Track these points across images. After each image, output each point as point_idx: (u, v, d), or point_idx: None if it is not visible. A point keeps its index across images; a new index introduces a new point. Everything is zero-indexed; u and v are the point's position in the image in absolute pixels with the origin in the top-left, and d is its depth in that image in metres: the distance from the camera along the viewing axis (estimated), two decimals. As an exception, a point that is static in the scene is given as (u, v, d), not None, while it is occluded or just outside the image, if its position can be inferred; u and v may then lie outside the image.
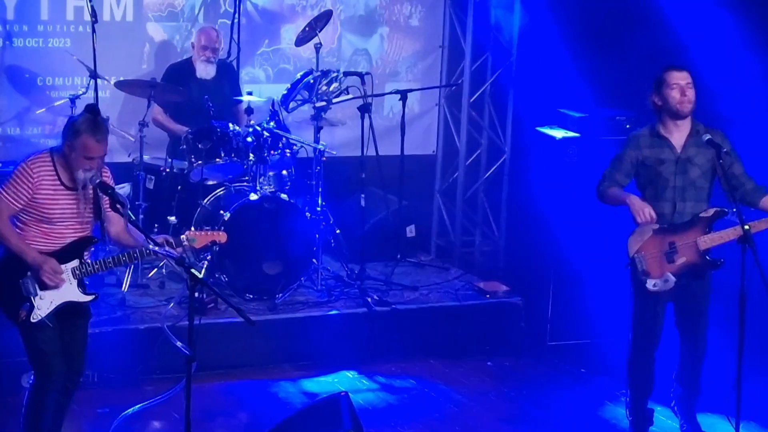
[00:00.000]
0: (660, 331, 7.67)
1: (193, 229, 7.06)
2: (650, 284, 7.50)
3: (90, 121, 6.62)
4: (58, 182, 6.66)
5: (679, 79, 7.43)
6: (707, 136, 7.38)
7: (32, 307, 6.66)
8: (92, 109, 6.72)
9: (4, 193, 6.63)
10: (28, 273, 6.66)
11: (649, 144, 7.53)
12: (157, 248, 6.67)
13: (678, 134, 7.51)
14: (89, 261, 6.80)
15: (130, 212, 6.69)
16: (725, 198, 7.51)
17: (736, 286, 7.07)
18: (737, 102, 9.43)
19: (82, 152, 6.58)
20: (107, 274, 9.08)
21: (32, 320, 6.67)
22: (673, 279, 7.48)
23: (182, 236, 6.91)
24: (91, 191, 6.73)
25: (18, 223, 6.68)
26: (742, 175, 7.48)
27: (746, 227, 7.04)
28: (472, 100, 10.92)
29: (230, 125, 9.41)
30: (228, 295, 8.91)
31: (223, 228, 8.86)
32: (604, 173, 7.64)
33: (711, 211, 7.46)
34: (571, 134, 9.44)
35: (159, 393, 7.21)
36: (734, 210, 7.38)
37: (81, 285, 6.80)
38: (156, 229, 9.31)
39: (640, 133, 7.62)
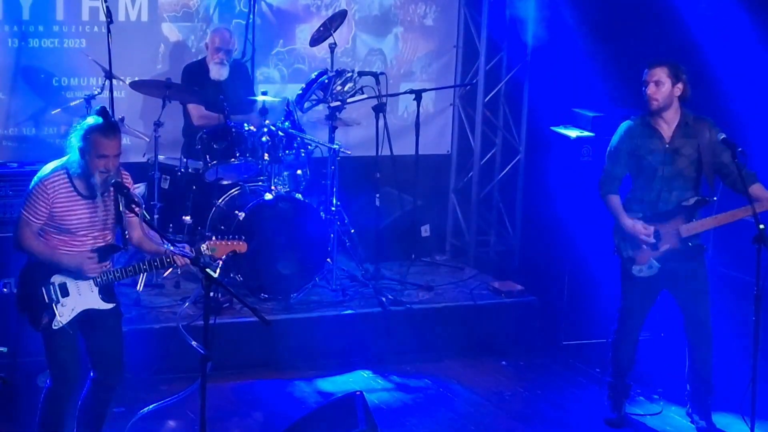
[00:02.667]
0: (645, 316, 7.94)
1: (214, 238, 7.04)
2: (635, 270, 7.76)
3: (99, 121, 6.64)
4: (74, 192, 6.67)
5: (647, 76, 7.65)
6: (722, 135, 7.47)
7: (54, 313, 6.69)
8: (102, 110, 6.74)
9: (26, 213, 6.69)
10: (51, 280, 6.70)
11: (640, 134, 7.72)
12: (172, 248, 6.69)
13: (666, 125, 7.69)
14: (111, 269, 6.82)
15: (145, 212, 6.71)
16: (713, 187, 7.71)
17: (751, 285, 7.09)
18: (752, 100, 9.41)
19: (94, 152, 6.58)
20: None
21: (54, 327, 6.70)
22: (657, 265, 7.72)
23: (203, 246, 6.93)
24: (111, 198, 6.75)
25: (40, 235, 6.72)
26: (731, 164, 7.55)
27: (761, 226, 7.07)
28: (486, 99, 10.91)
29: (245, 125, 9.42)
30: (243, 294, 8.92)
31: (238, 230, 8.94)
32: (604, 169, 7.85)
33: (693, 200, 7.65)
34: (585, 134, 9.43)
35: (174, 392, 7.24)
36: (715, 199, 7.58)
37: (103, 292, 6.82)
38: (171, 229, 9.34)
39: (631, 124, 7.81)
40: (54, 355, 6.76)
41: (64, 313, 6.71)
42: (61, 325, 6.70)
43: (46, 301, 6.68)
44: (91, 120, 6.66)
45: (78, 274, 6.72)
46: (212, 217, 9.28)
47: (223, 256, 7.02)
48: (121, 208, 6.70)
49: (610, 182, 7.77)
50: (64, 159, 6.74)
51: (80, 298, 6.75)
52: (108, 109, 6.87)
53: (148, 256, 6.90)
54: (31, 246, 6.69)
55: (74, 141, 6.67)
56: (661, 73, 7.57)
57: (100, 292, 6.80)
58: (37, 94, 9.88)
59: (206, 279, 6.19)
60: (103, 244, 6.78)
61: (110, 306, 6.87)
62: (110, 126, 6.66)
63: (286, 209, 9.28)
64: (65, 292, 6.72)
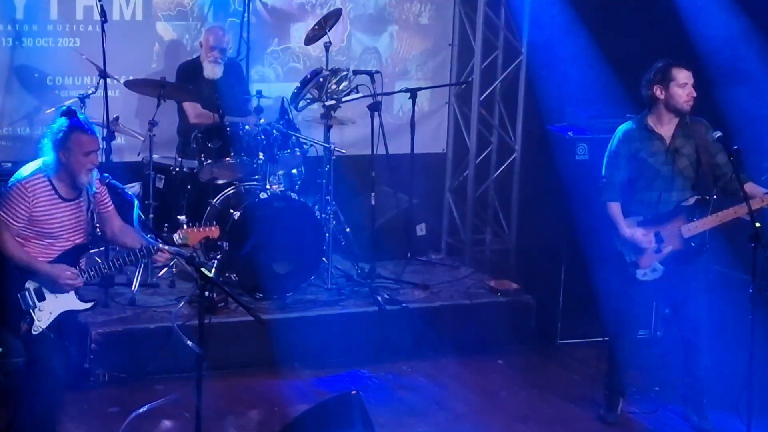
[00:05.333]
0: (644, 316, 8.01)
1: (185, 227, 7.03)
2: (640, 274, 7.74)
3: (73, 121, 6.63)
4: (56, 196, 6.65)
5: (688, 78, 7.60)
6: (718, 134, 7.48)
7: (32, 319, 6.65)
8: (68, 111, 6.71)
9: (2, 214, 6.61)
10: (26, 286, 6.65)
11: (640, 137, 7.71)
12: (167, 247, 6.68)
13: (668, 126, 7.68)
14: (85, 268, 6.79)
15: (140, 212, 6.69)
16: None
17: (747, 283, 7.10)
18: (746, 101, 9.41)
19: (79, 150, 6.56)
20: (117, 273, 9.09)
21: (33, 332, 6.65)
22: (661, 268, 7.71)
23: (174, 235, 6.92)
24: (85, 198, 6.72)
25: (19, 239, 6.66)
26: (725, 165, 7.59)
27: (757, 224, 7.06)
28: (482, 98, 10.90)
29: (240, 124, 9.41)
30: (238, 294, 8.90)
31: (233, 229, 8.94)
32: (603, 175, 7.79)
33: (692, 200, 7.65)
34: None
35: (169, 392, 7.22)
36: (714, 197, 7.55)
37: (79, 292, 6.80)
38: (166, 228, 9.31)
39: (629, 127, 7.80)
40: (38, 361, 6.70)
41: (43, 318, 6.67)
42: (41, 329, 6.66)
43: (23, 308, 6.64)
44: (64, 121, 6.62)
45: (54, 286, 6.68)
46: (207, 216, 9.25)
47: (197, 244, 7.03)
48: (98, 209, 6.68)
49: (611, 188, 7.74)
50: (40, 163, 6.69)
51: (57, 301, 6.72)
52: (75, 108, 6.81)
53: (124, 251, 6.88)
54: (10, 248, 6.60)
55: (51, 145, 6.63)
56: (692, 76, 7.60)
57: (76, 293, 6.78)
58: (31, 93, 9.87)
59: (201, 278, 6.18)
60: (79, 243, 6.75)
61: (88, 305, 6.84)
62: (86, 123, 6.67)
63: (281, 208, 9.26)
64: (41, 297, 6.68)
